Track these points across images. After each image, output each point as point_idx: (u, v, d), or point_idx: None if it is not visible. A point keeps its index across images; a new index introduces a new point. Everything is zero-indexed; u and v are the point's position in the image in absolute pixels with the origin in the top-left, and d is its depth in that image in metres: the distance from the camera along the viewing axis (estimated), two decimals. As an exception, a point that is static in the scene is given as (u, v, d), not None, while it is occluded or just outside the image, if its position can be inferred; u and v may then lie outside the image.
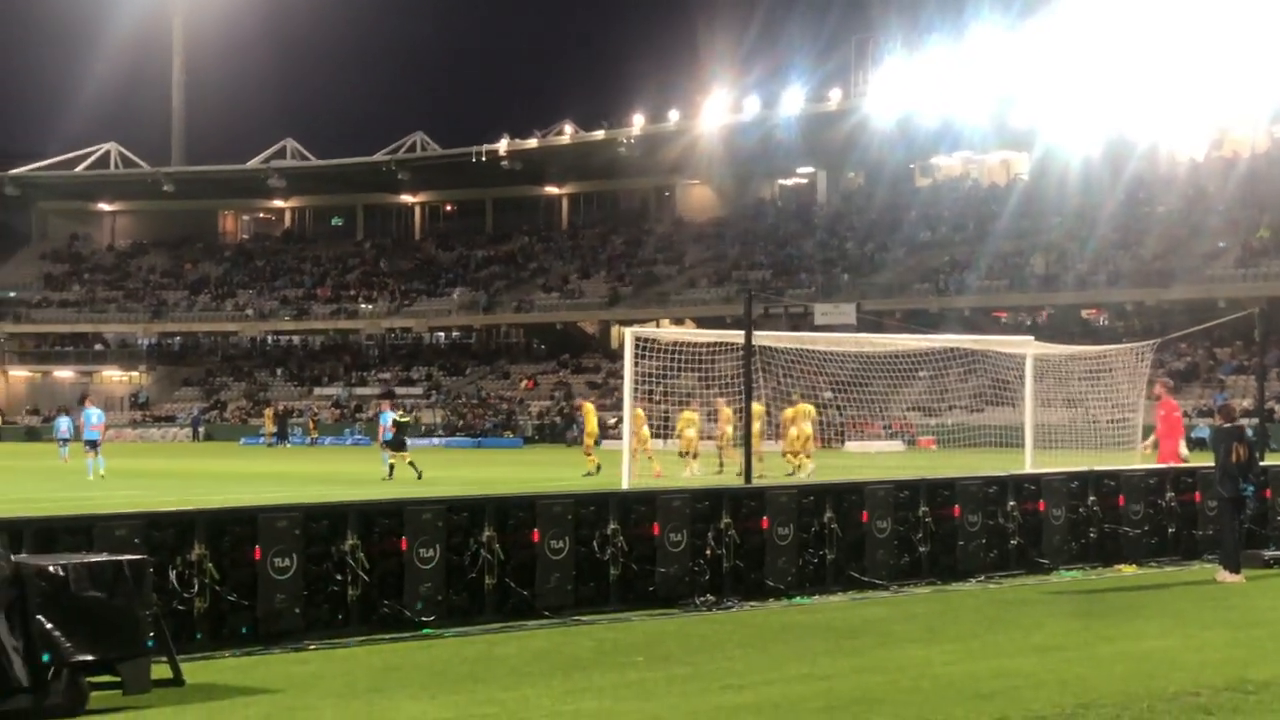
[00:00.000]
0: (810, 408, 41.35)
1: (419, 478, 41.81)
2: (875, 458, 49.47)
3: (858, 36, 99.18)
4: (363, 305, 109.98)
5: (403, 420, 45.50)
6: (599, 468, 42.22)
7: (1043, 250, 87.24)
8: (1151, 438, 27.72)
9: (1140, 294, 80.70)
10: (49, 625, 11.17)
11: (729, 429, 42.68)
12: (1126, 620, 16.29)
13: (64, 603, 11.28)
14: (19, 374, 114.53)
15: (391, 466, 43.07)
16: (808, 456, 40.81)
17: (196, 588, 13.97)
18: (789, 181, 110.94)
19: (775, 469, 38.94)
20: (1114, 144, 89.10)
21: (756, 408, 38.75)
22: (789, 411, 40.82)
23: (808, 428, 40.95)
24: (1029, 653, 14.12)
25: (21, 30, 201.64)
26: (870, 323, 61.51)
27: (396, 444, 44.10)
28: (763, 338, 32.37)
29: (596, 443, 45.95)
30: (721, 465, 42.34)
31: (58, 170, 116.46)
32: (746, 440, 26.31)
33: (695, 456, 42.17)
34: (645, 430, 42.91)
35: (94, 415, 46.10)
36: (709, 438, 43.08)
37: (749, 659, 13.81)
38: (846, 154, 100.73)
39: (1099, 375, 36.51)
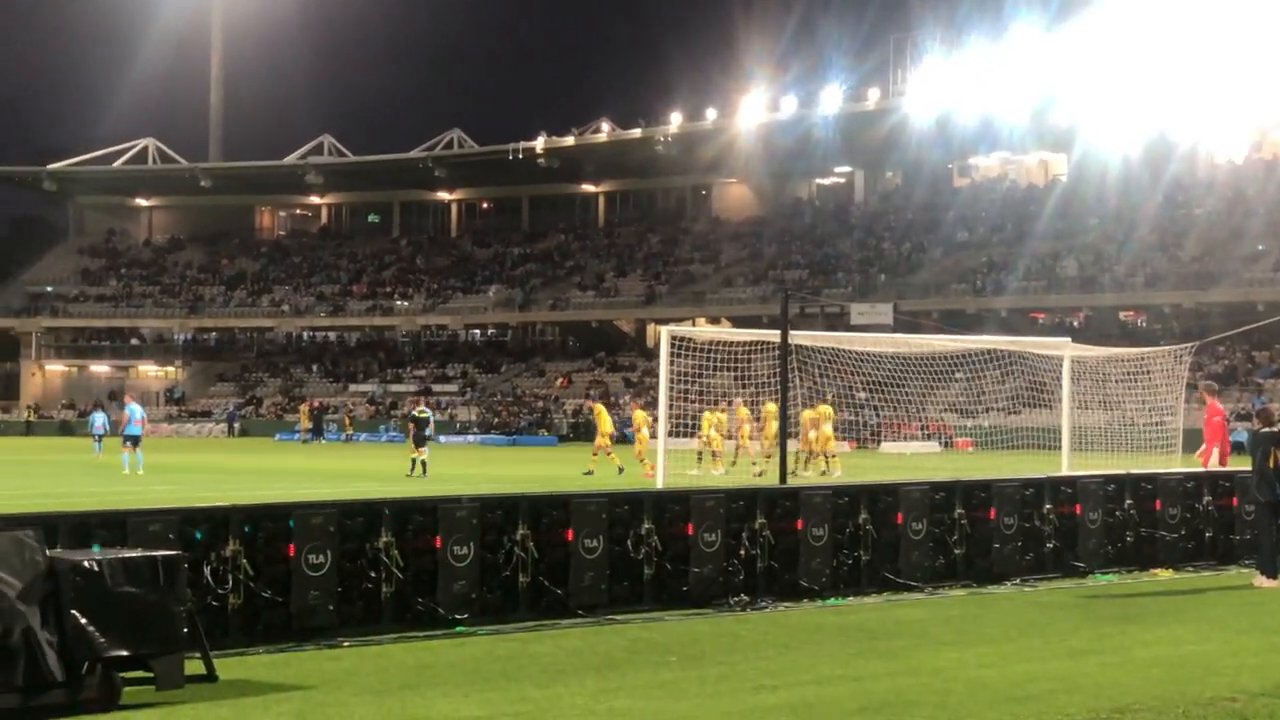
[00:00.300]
0: (829, 409, 41.41)
1: (422, 474, 41.89)
2: (911, 459, 49.31)
3: (896, 35, 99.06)
4: (399, 302, 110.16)
5: (421, 416, 45.65)
6: (621, 469, 42.25)
7: (1081, 252, 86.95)
8: (1203, 450, 27.52)
9: (1179, 296, 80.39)
10: (83, 620, 11.19)
11: (746, 429, 42.87)
12: (1162, 625, 16.20)
13: (98, 598, 11.29)
14: (55, 368, 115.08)
15: (424, 463, 43.09)
16: (830, 458, 40.98)
17: (230, 584, 13.98)
18: (826, 181, 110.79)
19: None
20: (1153, 145, 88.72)
21: (770, 407, 38.86)
22: (808, 413, 40.86)
23: (828, 429, 41.05)
24: (1064, 657, 14.05)
25: (62, 27, 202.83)
26: (907, 323, 61.45)
27: (418, 440, 44.20)
28: (799, 337, 32.32)
29: (616, 441, 46.01)
30: (734, 461, 42.44)
31: (96, 165, 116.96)
32: (782, 441, 26.22)
33: (716, 456, 42.20)
34: (645, 433, 43.34)
35: (136, 411, 46.29)
36: (730, 437, 43.11)
37: (782, 660, 13.77)
38: (884, 154, 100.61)
39: (1137, 378, 36.33)
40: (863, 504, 18.55)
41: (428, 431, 45.05)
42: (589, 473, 42.33)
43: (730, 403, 42.25)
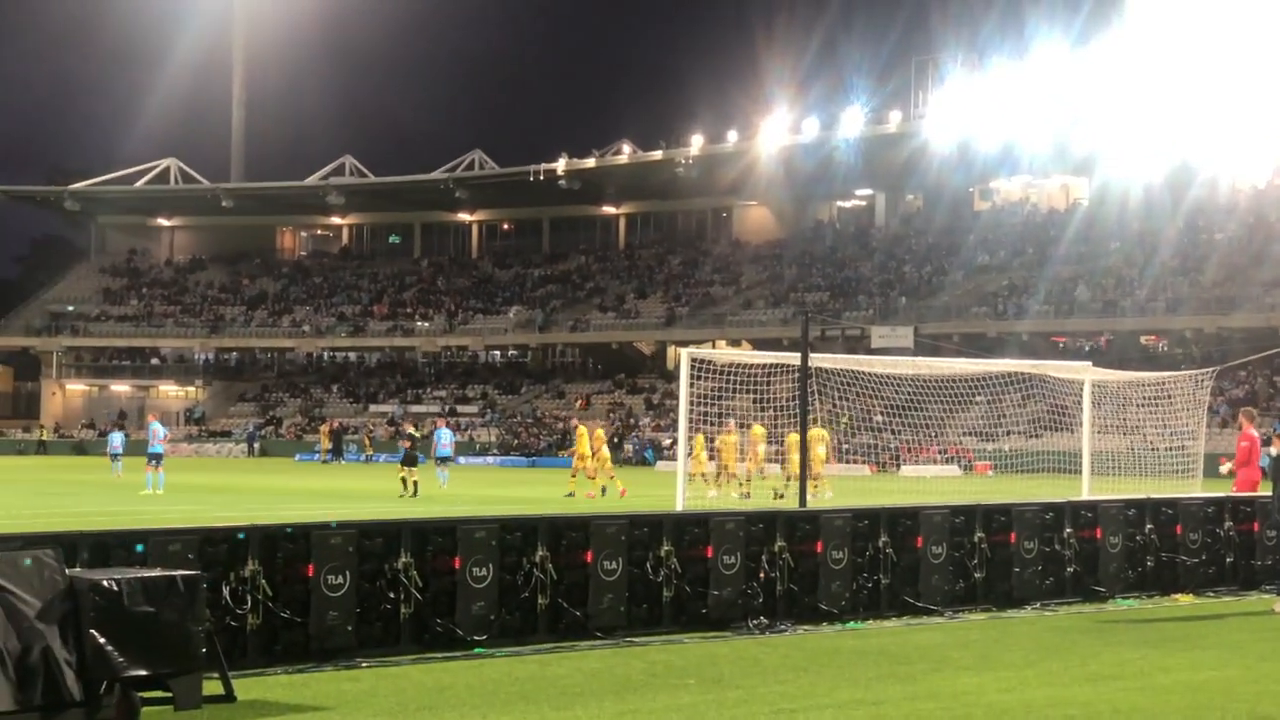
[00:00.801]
0: (824, 432, 41.37)
1: (413, 495, 42.03)
2: (931, 482, 49.25)
3: (918, 58, 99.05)
4: (419, 323, 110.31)
5: (415, 435, 46.01)
6: (604, 490, 42.82)
7: (1102, 276, 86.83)
8: (1229, 465, 27.44)
9: (1200, 321, 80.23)
10: (102, 640, 11.19)
11: (760, 450, 42.93)
12: (1183, 650, 16.13)
13: (117, 617, 11.29)
14: (76, 387, 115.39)
15: (415, 484, 43.26)
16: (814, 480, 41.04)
17: (249, 604, 13.97)
18: (847, 204, 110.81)
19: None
20: (1175, 171, 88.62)
21: (792, 438, 38.82)
22: (793, 436, 40.88)
23: (821, 451, 41.07)
24: (1084, 682, 13.99)
25: (84, 49, 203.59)
26: (927, 346, 61.40)
27: (408, 459, 44.38)
28: (819, 360, 32.29)
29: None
30: (744, 483, 42.51)
31: (118, 185, 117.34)
32: (803, 464, 26.17)
33: (722, 478, 42.23)
34: (605, 450, 43.95)
35: (159, 430, 46.43)
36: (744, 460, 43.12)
37: (801, 683, 13.73)
38: (905, 176, 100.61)
39: (1157, 402, 36.26)
40: (882, 527, 18.51)
41: (419, 453, 45.41)
42: (570, 494, 42.81)
43: (743, 426, 42.17)
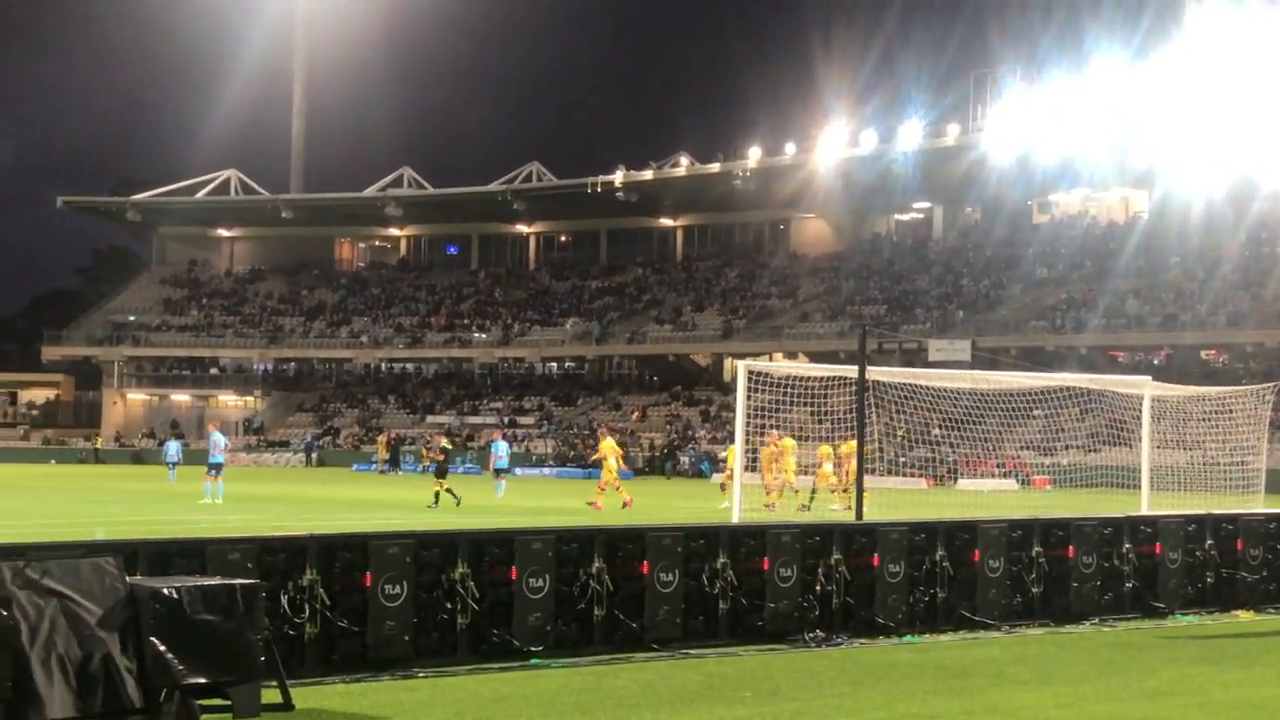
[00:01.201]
0: (829, 449, 41.11)
1: (457, 504, 41.91)
2: (988, 496, 49.03)
3: (977, 71, 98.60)
4: (476, 334, 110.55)
5: (448, 447, 46.02)
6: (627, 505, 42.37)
7: (1162, 289, 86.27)
8: None
9: (1261, 335, 79.58)
10: (162, 647, 11.27)
11: (790, 461, 42.67)
12: (1243, 667, 16.01)
13: (177, 625, 11.37)
14: (136, 397, 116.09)
15: (437, 494, 43.18)
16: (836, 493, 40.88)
17: (307, 613, 14.04)
18: (905, 217, 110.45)
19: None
20: (1237, 184, 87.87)
21: (846, 447, 38.68)
22: (824, 448, 40.71)
23: (827, 468, 40.95)
24: (1143, 698, 13.91)
25: (146, 61, 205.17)
26: (985, 360, 61.12)
27: (440, 471, 44.39)
28: (876, 373, 32.22)
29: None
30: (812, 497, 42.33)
31: (178, 197, 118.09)
32: (859, 477, 26.10)
33: (780, 493, 42.02)
34: (611, 462, 43.78)
35: (220, 440, 46.71)
36: (804, 472, 42.95)
37: (857, 697, 13.70)
38: (964, 190, 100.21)
39: (1218, 417, 36.03)
40: (939, 541, 18.45)
41: (450, 463, 45.53)
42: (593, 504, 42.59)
43: (801, 438, 41.99)
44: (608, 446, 45.30)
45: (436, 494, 43.13)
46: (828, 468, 41.24)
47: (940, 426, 41.54)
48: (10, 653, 10.82)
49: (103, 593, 11.29)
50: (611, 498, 43.28)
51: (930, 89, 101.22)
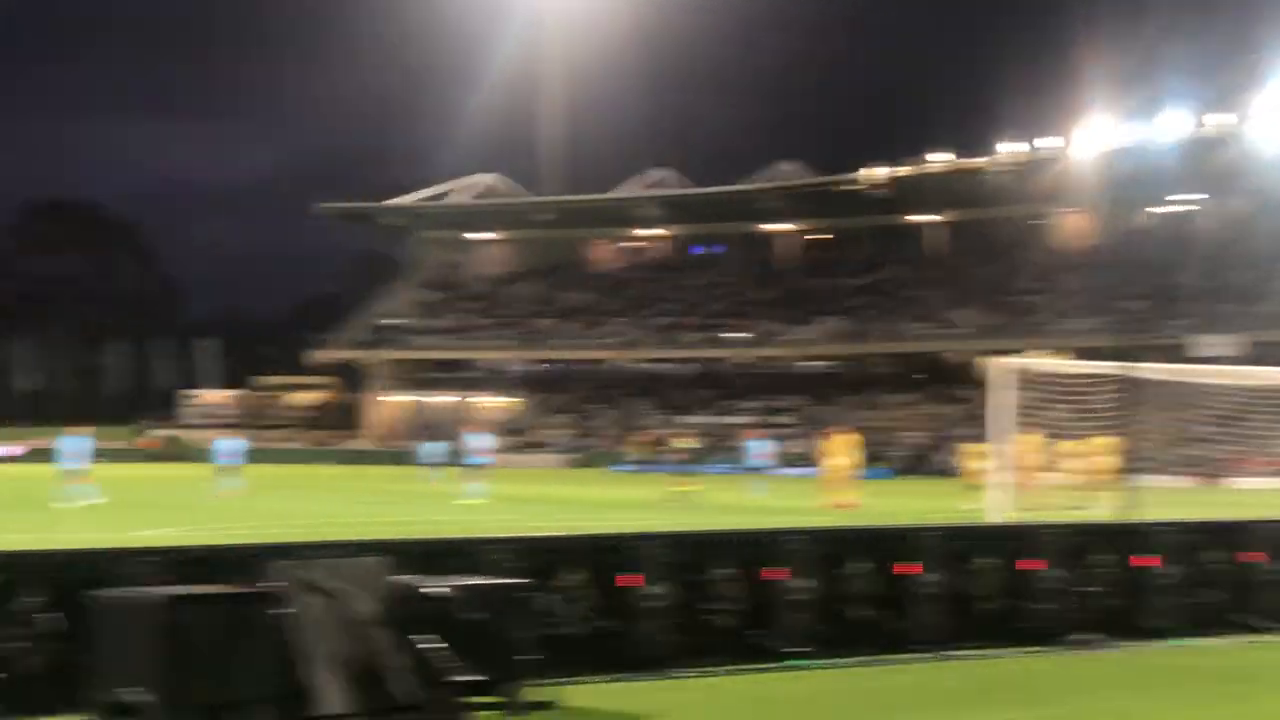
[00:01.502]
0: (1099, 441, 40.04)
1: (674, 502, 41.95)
2: (1260, 495, 47.67)
3: (1244, 57, 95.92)
4: (731, 334, 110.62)
5: (688, 448, 46.22)
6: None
7: None
8: None
9: None
10: (431, 646, 11.43)
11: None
12: None
13: (447, 624, 11.53)
14: (398, 399, 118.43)
15: (678, 492, 43.31)
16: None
17: (573, 612, 14.12)
18: (1169, 209, 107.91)
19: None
20: None
21: (1098, 441, 37.77)
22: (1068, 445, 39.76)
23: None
24: None
25: (403, 69, 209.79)
26: (1254, 355, 59.41)
27: (682, 469, 44.58)
28: (1140, 370, 31.54)
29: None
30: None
31: (434, 201, 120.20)
32: (1121, 474, 25.54)
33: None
34: (841, 460, 42.87)
35: (480, 441, 47.44)
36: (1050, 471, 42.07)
37: (1129, 702, 13.37)
38: (1230, 180, 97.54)
39: None
40: (1216, 541, 17.90)
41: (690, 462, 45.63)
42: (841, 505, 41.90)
43: (1055, 436, 41.10)
44: (839, 444, 44.48)
45: (678, 492, 43.51)
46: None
47: (1206, 423, 40.43)
48: (284, 649, 11.07)
49: (374, 592, 11.50)
50: (836, 495, 42.74)
51: (1195, 77, 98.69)
